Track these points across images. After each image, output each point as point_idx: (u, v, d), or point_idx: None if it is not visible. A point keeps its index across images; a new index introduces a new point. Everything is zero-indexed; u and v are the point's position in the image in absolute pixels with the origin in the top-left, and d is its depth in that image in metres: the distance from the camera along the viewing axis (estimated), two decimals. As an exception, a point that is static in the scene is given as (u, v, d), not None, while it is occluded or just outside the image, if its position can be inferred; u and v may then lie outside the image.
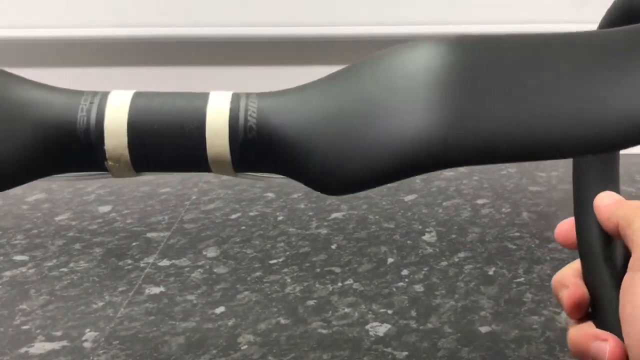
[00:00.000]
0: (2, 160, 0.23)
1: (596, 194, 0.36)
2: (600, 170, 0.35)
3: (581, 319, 0.32)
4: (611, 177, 0.35)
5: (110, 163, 0.24)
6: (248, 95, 0.25)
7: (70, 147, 0.24)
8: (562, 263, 0.53)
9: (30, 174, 0.24)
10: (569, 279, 0.33)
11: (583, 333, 0.31)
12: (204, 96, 0.24)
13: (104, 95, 0.24)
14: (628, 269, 0.29)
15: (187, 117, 0.24)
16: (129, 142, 0.24)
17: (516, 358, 0.40)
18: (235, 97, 0.24)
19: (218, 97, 0.24)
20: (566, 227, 0.36)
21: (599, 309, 0.31)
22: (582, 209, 0.35)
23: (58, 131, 0.24)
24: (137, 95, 0.24)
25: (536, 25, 0.77)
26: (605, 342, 0.30)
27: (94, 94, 0.24)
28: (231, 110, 0.24)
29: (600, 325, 0.31)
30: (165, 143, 0.24)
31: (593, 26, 0.84)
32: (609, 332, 0.30)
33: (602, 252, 0.33)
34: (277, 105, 0.25)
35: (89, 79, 0.83)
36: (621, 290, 0.28)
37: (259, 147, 0.24)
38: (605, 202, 0.35)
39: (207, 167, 0.25)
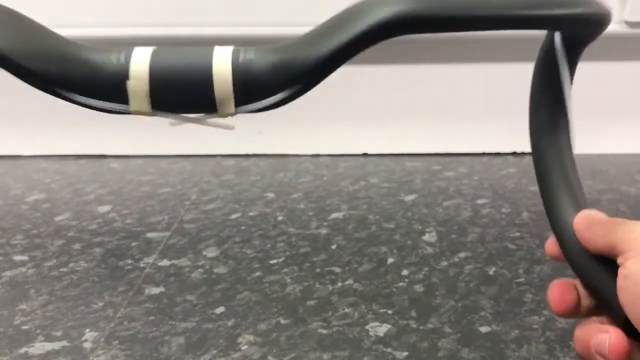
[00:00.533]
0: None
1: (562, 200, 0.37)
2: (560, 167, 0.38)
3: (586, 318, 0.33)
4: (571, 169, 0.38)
5: (132, 82, 0.30)
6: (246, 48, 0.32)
7: (103, 73, 0.31)
8: (562, 263, 0.53)
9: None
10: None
11: (586, 329, 0.32)
12: (209, 48, 0.32)
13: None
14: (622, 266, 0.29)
15: (198, 57, 0.31)
16: (150, 73, 0.31)
17: (516, 358, 0.40)
18: (235, 48, 0.32)
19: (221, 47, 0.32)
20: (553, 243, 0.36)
21: (601, 303, 0.32)
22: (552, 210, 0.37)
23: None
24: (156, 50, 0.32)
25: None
26: (606, 334, 0.31)
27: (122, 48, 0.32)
28: (233, 50, 0.32)
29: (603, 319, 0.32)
30: (178, 81, 0.31)
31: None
32: (610, 325, 0.31)
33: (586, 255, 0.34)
34: (269, 46, 0.32)
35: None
36: (619, 280, 0.29)
37: (255, 70, 0.31)
38: (584, 224, 0.34)
39: (213, 103, 0.31)
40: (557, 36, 0.37)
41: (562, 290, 0.34)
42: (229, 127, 0.33)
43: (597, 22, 0.34)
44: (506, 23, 0.32)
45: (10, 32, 0.31)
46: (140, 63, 0.31)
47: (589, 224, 0.33)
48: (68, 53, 0.32)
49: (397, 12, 0.30)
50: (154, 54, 0.32)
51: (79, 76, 0.31)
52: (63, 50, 0.32)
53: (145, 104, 0.31)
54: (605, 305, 0.32)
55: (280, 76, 0.31)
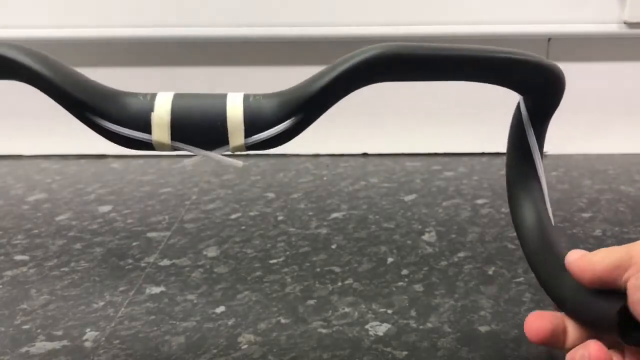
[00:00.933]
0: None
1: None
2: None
3: None
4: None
5: (155, 114, 0.35)
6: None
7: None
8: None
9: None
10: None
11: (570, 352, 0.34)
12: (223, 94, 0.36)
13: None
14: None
15: (214, 99, 0.36)
16: (172, 108, 0.35)
17: (515, 357, 0.40)
18: (246, 94, 0.37)
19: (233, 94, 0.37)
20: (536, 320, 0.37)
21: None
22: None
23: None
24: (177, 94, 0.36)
25: (537, 25, 0.77)
26: (585, 348, 0.33)
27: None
28: (244, 94, 0.36)
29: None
30: (196, 116, 0.35)
31: (594, 26, 0.84)
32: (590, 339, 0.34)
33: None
34: (274, 92, 0.37)
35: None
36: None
37: (263, 108, 0.36)
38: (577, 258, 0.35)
39: (226, 136, 0.36)
40: (521, 102, 0.42)
41: (539, 319, 0.36)
42: (238, 164, 0.39)
43: (555, 88, 0.39)
44: (469, 76, 0.38)
45: (55, 67, 0.35)
46: (163, 99, 0.36)
47: (582, 255, 0.34)
48: (102, 90, 0.36)
49: (373, 54, 0.35)
50: (175, 95, 0.36)
51: (110, 107, 0.35)
52: (98, 87, 0.36)
53: (166, 135, 0.35)
54: (606, 329, 0.34)
55: (283, 109, 0.36)
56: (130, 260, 0.55)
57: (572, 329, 0.36)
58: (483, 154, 0.86)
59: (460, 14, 0.77)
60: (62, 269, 0.54)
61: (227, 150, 0.37)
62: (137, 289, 0.50)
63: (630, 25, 0.76)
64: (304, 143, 0.86)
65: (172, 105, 0.35)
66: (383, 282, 0.50)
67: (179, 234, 0.61)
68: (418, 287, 0.49)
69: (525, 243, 0.41)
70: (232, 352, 0.41)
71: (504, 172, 0.78)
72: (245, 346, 0.42)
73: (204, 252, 0.57)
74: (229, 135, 0.36)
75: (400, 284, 0.50)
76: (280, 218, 0.64)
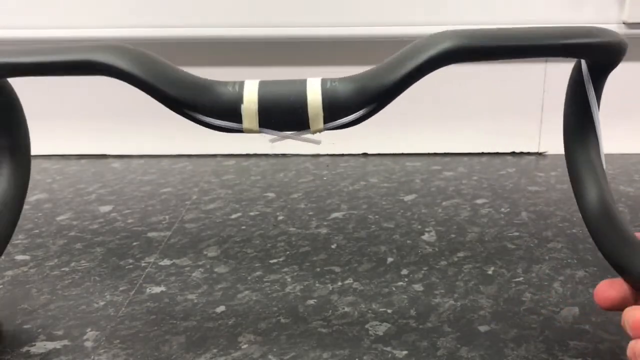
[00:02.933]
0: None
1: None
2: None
3: None
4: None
5: (245, 105, 0.39)
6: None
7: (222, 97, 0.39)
8: (561, 262, 0.54)
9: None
10: None
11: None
12: (303, 79, 0.40)
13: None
14: None
15: (295, 85, 0.39)
16: (258, 98, 0.39)
17: (515, 357, 0.40)
18: (323, 79, 0.40)
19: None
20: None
21: None
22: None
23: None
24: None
25: (537, 25, 0.77)
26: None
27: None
28: (321, 79, 0.39)
29: None
30: (280, 103, 0.39)
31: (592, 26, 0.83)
32: None
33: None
34: (350, 76, 0.40)
35: (100, 79, 0.83)
36: None
37: (340, 94, 0.39)
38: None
39: (307, 121, 0.39)
40: (584, 64, 0.44)
41: (609, 288, 0.38)
42: (317, 142, 0.42)
43: (615, 50, 0.40)
44: (540, 52, 0.40)
45: (152, 67, 0.39)
46: (251, 91, 0.39)
47: None
48: (195, 83, 0.40)
49: (450, 46, 0.37)
50: (260, 84, 0.40)
51: (205, 101, 0.39)
52: (191, 81, 0.40)
53: (255, 123, 0.40)
54: None
55: (360, 98, 0.39)
56: (130, 260, 0.55)
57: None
58: (483, 154, 0.86)
59: (460, 14, 0.77)
60: (63, 269, 0.54)
61: (308, 133, 0.40)
62: (137, 288, 0.50)
63: (630, 25, 0.76)
64: (304, 143, 0.87)
65: (258, 96, 0.39)
66: (383, 282, 0.50)
67: (179, 234, 0.61)
68: (418, 287, 0.50)
69: (588, 216, 0.44)
70: (233, 351, 0.42)
71: (503, 172, 0.78)
72: (246, 346, 0.42)
73: (205, 252, 0.57)
74: (310, 121, 0.39)
75: (400, 283, 0.50)
76: (280, 218, 0.64)
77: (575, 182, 0.46)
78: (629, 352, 0.35)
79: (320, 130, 0.40)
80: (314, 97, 0.39)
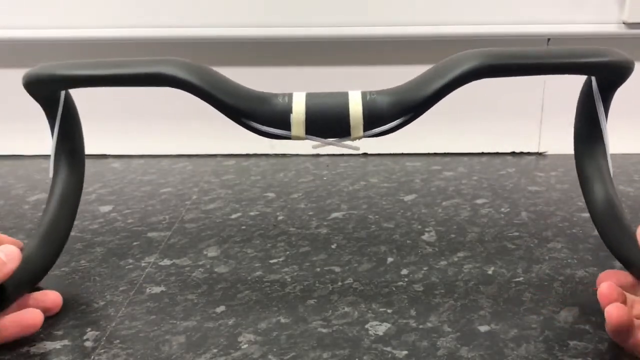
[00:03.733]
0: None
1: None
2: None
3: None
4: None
5: (294, 115, 0.43)
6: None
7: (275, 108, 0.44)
8: (561, 262, 0.54)
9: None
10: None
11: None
12: (345, 92, 0.45)
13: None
14: None
15: (338, 97, 0.44)
16: (305, 109, 0.44)
17: (515, 357, 0.40)
18: (363, 91, 0.45)
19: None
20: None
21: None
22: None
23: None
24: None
25: (537, 26, 0.77)
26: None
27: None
28: (361, 92, 0.45)
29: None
30: (325, 114, 0.44)
31: (593, 26, 0.84)
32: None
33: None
34: (387, 89, 0.45)
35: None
36: None
37: (378, 105, 0.44)
38: None
39: (348, 130, 0.44)
40: (594, 80, 0.49)
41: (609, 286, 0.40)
42: (356, 148, 0.46)
43: (622, 68, 0.46)
44: (554, 70, 0.45)
45: (213, 80, 0.44)
46: (299, 102, 0.44)
47: None
48: (250, 94, 0.45)
49: (476, 65, 0.43)
50: (307, 96, 0.44)
51: (258, 110, 0.44)
52: (246, 92, 0.45)
53: (302, 131, 0.44)
54: None
55: (396, 109, 0.44)
56: (130, 260, 0.55)
57: None
58: (483, 154, 0.86)
59: (460, 14, 0.77)
60: (63, 269, 0.54)
61: (349, 140, 0.45)
62: (137, 288, 0.50)
63: (630, 25, 0.76)
64: (304, 143, 0.87)
65: (305, 107, 0.44)
66: (383, 282, 0.50)
67: (179, 234, 0.61)
68: (418, 287, 0.50)
69: (595, 213, 0.49)
70: (233, 351, 0.42)
71: (503, 172, 0.78)
72: (246, 345, 0.42)
73: (205, 252, 0.57)
74: (351, 129, 0.44)
75: (400, 283, 0.50)
76: (280, 218, 0.64)
77: (584, 185, 0.50)
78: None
79: (359, 138, 0.44)
80: (356, 107, 0.43)
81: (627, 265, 0.46)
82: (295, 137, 0.44)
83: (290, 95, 0.44)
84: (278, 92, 0.45)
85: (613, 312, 0.38)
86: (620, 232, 0.46)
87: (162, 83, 0.44)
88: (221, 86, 0.44)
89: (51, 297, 0.46)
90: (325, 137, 0.44)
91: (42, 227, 0.49)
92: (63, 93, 0.50)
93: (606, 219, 0.48)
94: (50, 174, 0.53)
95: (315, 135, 0.44)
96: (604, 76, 0.47)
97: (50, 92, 0.49)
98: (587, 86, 0.49)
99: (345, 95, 0.44)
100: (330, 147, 0.87)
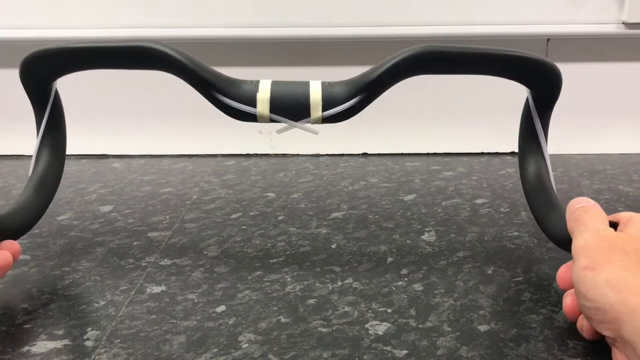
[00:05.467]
0: None
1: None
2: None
3: None
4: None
5: (259, 93, 0.48)
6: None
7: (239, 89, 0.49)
8: (560, 262, 0.54)
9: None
10: None
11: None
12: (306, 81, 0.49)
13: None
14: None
15: (300, 84, 0.49)
16: (270, 90, 0.48)
17: (515, 356, 0.40)
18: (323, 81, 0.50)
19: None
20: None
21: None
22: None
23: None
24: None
25: (536, 26, 0.77)
26: (566, 296, 0.43)
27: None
28: (321, 82, 0.49)
29: None
30: (288, 95, 0.48)
31: (593, 26, 0.84)
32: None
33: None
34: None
35: (103, 79, 0.84)
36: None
37: (335, 89, 0.49)
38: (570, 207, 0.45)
39: (308, 110, 0.48)
40: (529, 94, 0.53)
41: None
42: (315, 132, 0.50)
43: (553, 80, 0.50)
44: (485, 70, 0.51)
45: (190, 56, 0.48)
46: (265, 84, 0.49)
47: (574, 210, 0.45)
48: (222, 75, 0.49)
49: (418, 50, 0.48)
50: (273, 82, 0.49)
51: (229, 87, 0.48)
52: (219, 73, 0.49)
53: (266, 108, 0.48)
54: None
55: (350, 92, 0.49)
56: (131, 260, 0.55)
57: None
58: (482, 153, 0.86)
59: (460, 15, 0.77)
60: (63, 269, 0.54)
61: (308, 122, 0.49)
62: (138, 288, 0.50)
63: (629, 25, 0.76)
64: (304, 143, 0.87)
65: (271, 88, 0.48)
66: (383, 282, 0.51)
67: (179, 234, 0.61)
68: (417, 287, 0.50)
69: (529, 196, 0.55)
70: (233, 351, 0.42)
71: (503, 172, 0.78)
72: (246, 345, 0.42)
73: (205, 252, 0.57)
74: (311, 110, 0.48)
75: (399, 283, 0.50)
76: (280, 218, 0.64)
77: (521, 170, 0.56)
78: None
79: (318, 120, 0.49)
80: (315, 91, 0.48)
81: (550, 237, 0.51)
82: (260, 115, 0.48)
83: (257, 81, 0.49)
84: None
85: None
86: (547, 203, 0.52)
87: (142, 56, 0.48)
88: (195, 61, 0.48)
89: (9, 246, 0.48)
90: (288, 117, 0.48)
91: (31, 183, 0.55)
92: (55, 84, 0.55)
93: (535, 191, 0.53)
94: (34, 158, 0.56)
95: (278, 115, 0.48)
96: (536, 89, 0.52)
97: (44, 80, 0.54)
98: (526, 103, 0.53)
99: (306, 83, 0.49)
100: (330, 148, 0.87)
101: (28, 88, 0.53)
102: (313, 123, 0.49)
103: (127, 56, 0.49)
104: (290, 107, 0.48)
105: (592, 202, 0.43)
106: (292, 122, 0.49)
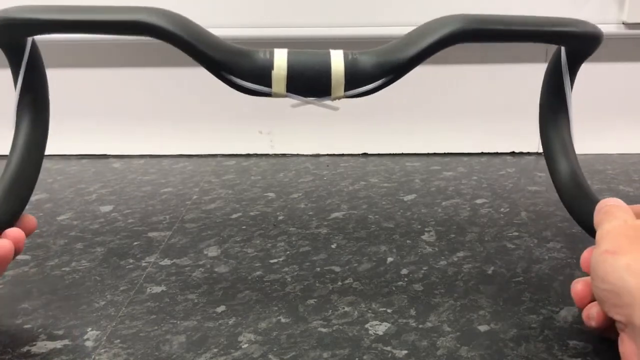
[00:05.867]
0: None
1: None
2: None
3: None
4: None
5: (275, 70, 0.43)
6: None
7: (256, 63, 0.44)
8: (560, 262, 0.54)
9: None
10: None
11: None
12: (326, 50, 0.45)
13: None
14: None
15: (320, 55, 0.44)
16: (287, 65, 0.43)
17: (515, 357, 0.40)
18: (345, 51, 0.45)
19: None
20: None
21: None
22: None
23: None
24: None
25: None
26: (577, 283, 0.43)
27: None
28: (344, 51, 0.44)
29: None
30: (307, 71, 0.43)
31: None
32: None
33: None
34: (370, 49, 0.46)
35: (103, 79, 0.84)
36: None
37: (360, 65, 0.44)
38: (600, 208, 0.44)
39: (329, 89, 0.43)
40: (563, 51, 0.50)
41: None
42: (335, 108, 0.45)
43: (592, 39, 0.47)
44: (529, 37, 0.46)
45: (195, 31, 0.42)
46: (281, 58, 0.43)
47: (605, 207, 0.44)
48: (231, 48, 0.44)
49: (457, 28, 0.44)
50: (289, 53, 0.44)
51: (239, 64, 0.43)
52: (228, 46, 0.44)
53: (283, 88, 0.43)
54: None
55: (378, 70, 0.44)
56: (131, 260, 0.55)
57: None
58: (482, 154, 0.86)
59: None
60: (64, 269, 0.54)
61: (329, 100, 0.44)
62: (138, 288, 0.50)
63: (629, 25, 0.76)
64: (304, 143, 0.87)
65: (287, 63, 0.43)
66: (383, 282, 0.51)
67: (179, 234, 0.61)
68: (417, 287, 0.50)
69: (560, 186, 0.52)
70: (233, 351, 0.42)
71: (503, 172, 0.78)
72: (246, 345, 0.42)
73: (205, 252, 0.57)
74: (332, 88, 0.43)
75: (399, 283, 0.50)
76: (280, 218, 0.64)
77: (549, 157, 0.53)
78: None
79: (340, 97, 0.44)
80: (338, 66, 0.43)
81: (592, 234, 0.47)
82: (275, 94, 0.44)
83: (272, 51, 0.44)
84: (260, 49, 0.45)
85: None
86: (586, 202, 0.48)
87: (140, 32, 0.42)
88: (202, 38, 0.42)
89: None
90: (306, 96, 0.44)
91: (6, 179, 0.46)
92: (30, 40, 0.47)
93: (571, 190, 0.50)
94: (13, 125, 0.49)
95: (295, 93, 0.44)
96: (573, 46, 0.49)
97: (17, 37, 0.46)
98: (556, 57, 0.51)
99: (327, 54, 0.44)
100: (330, 148, 0.87)
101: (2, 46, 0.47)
102: (333, 100, 0.45)
103: (124, 28, 0.42)
104: (309, 85, 0.43)
105: (623, 202, 0.44)
106: (310, 99, 0.44)
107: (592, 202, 0.46)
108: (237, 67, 0.43)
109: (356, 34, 0.78)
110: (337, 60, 0.43)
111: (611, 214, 0.42)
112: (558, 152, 0.52)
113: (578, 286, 0.42)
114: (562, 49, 0.50)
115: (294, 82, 0.43)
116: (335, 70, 0.43)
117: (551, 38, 0.47)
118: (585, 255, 0.44)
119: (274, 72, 0.43)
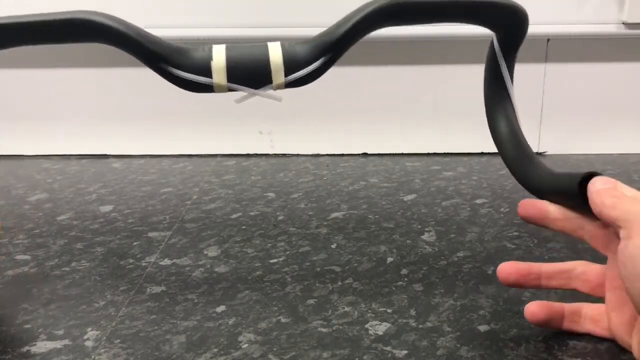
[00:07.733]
0: None
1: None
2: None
3: None
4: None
5: (214, 61, 0.43)
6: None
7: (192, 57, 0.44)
8: (560, 261, 0.54)
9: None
10: None
11: None
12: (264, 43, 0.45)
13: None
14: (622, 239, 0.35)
15: (257, 47, 0.44)
16: (226, 56, 0.44)
17: (515, 356, 0.40)
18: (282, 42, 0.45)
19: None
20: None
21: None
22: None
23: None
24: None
25: (536, 26, 0.77)
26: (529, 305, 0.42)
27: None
28: (280, 42, 0.45)
29: None
30: (245, 60, 0.44)
31: (593, 26, 0.85)
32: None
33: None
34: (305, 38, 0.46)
35: (93, 79, 0.84)
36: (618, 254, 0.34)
37: (297, 48, 0.44)
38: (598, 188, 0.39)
39: (269, 76, 0.44)
40: (494, 37, 0.51)
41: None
42: (278, 99, 0.45)
43: (518, 21, 0.48)
44: (453, 17, 0.47)
45: (133, 27, 0.43)
46: (219, 51, 0.44)
47: (601, 191, 0.38)
48: (170, 44, 0.44)
49: (376, 6, 0.44)
50: (227, 46, 0.44)
51: (179, 57, 0.43)
52: (167, 43, 0.44)
53: (223, 77, 0.43)
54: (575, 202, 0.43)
55: (314, 52, 0.44)
56: (131, 260, 0.55)
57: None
58: (482, 154, 0.86)
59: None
60: (64, 269, 0.54)
61: (270, 88, 0.44)
62: (138, 288, 0.50)
63: (629, 25, 0.76)
64: (304, 143, 0.87)
65: (226, 54, 0.44)
66: (383, 282, 0.51)
67: (179, 234, 0.61)
68: (417, 287, 0.50)
69: (502, 147, 0.54)
70: (233, 351, 0.42)
71: (503, 172, 0.78)
72: (246, 345, 0.42)
73: (205, 252, 0.57)
74: (272, 75, 0.44)
75: (399, 283, 0.50)
76: (280, 218, 0.64)
77: (492, 127, 0.54)
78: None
79: (281, 86, 0.44)
80: (275, 54, 0.44)
81: (538, 194, 0.49)
82: (217, 86, 0.44)
83: (210, 46, 0.44)
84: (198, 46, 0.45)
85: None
86: (526, 159, 0.50)
87: (78, 30, 0.43)
88: (139, 31, 0.43)
89: None
90: (248, 85, 0.44)
91: None
92: None
93: (511, 148, 0.53)
94: None
95: (236, 84, 0.44)
96: (502, 30, 0.49)
97: None
98: (491, 45, 0.51)
99: (264, 46, 0.44)
100: (330, 147, 0.87)
101: None
102: (275, 89, 0.44)
103: (61, 30, 0.43)
104: (249, 74, 0.44)
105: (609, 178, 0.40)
106: (252, 90, 0.44)
107: (532, 161, 0.50)
108: (176, 59, 0.43)
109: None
110: (275, 48, 0.44)
111: (628, 198, 0.37)
112: (500, 118, 0.54)
113: (533, 307, 0.42)
114: (494, 36, 0.51)
115: (234, 71, 0.43)
116: (273, 57, 0.44)
117: (478, 20, 0.48)
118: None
119: (213, 63, 0.43)
